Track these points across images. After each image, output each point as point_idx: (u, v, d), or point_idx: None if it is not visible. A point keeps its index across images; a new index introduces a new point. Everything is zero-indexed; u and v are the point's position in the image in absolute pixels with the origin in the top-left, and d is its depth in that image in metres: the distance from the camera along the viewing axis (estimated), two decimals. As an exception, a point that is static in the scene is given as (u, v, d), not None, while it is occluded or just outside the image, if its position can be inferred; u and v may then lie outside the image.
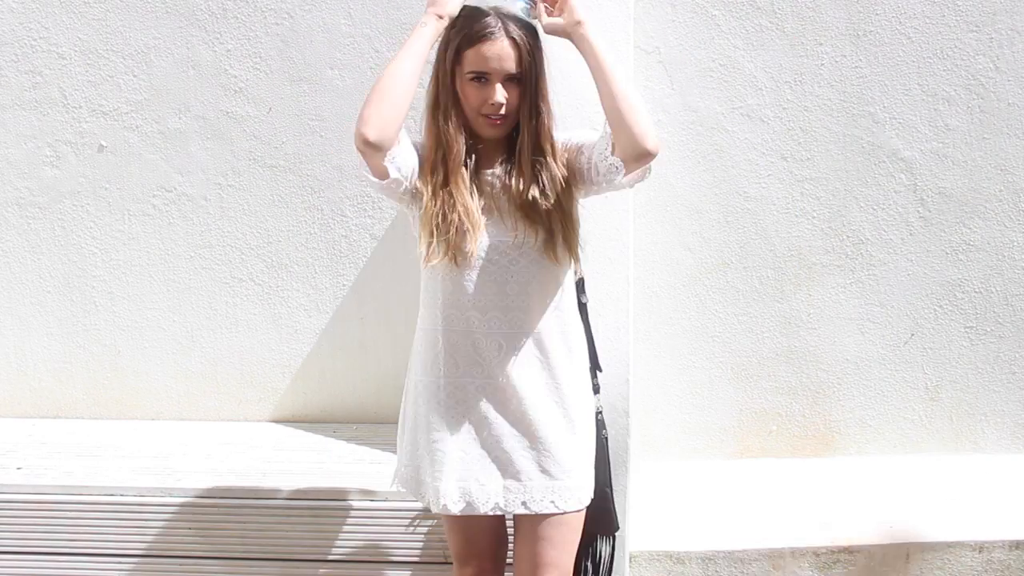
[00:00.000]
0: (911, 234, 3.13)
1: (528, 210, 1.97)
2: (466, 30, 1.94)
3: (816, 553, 2.82)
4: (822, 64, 3.04)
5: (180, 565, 2.69)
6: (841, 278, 3.15)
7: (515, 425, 1.99)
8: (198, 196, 3.16)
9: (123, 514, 2.68)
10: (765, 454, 3.22)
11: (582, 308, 2.13)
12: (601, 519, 2.14)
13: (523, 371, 1.99)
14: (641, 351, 3.11)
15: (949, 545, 2.84)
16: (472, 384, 2.00)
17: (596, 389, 2.15)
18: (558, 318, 2.03)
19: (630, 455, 2.74)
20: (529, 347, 2.00)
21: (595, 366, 2.15)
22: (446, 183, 1.96)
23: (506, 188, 2.00)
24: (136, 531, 2.68)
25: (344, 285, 3.19)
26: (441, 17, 1.92)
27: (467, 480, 1.99)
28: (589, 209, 2.75)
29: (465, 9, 1.97)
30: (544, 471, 1.99)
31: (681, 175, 3.08)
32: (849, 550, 2.82)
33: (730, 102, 3.05)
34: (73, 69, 3.11)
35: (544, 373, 2.01)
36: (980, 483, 3.10)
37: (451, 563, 2.57)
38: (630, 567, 2.81)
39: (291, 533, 2.67)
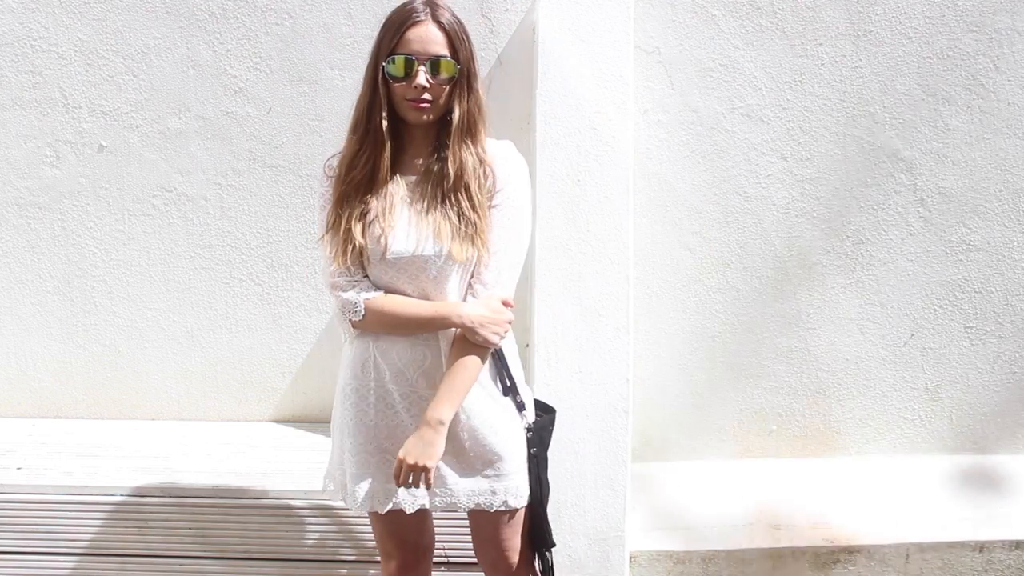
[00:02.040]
0: (911, 234, 3.13)
1: (446, 207, 1.95)
2: (393, 17, 1.94)
3: (816, 553, 2.82)
4: (822, 64, 3.04)
5: (180, 565, 2.69)
6: (841, 278, 3.15)
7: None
8: (198, 196, 3.16)
9: (123, 514, 2.68)
10: (765, 454, 3.22)
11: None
12: (537, 536, 2.16)
13: (439, 380, 2.01)
14: (641, 351, 3.11)
15: (949, 545, 2.84)
16: (398, 391, 2.02)
17: (520, 407, 2.09)
18: None
19: (630, 455, 2.74)
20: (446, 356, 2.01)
21: (509, 390, 2.08)
22: (367, 186, 1.96)
23: (426, 182, 1.98)
24: (136, 531, 2.68)
25: (344, 285, 3.18)
26: None
27: (392, 482, 2.02)
28: (588, 209, 2.76)
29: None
30: (462, 473, 2.04)
31: (681, 175, 3.08)
32: (849, 550, 2.82)
33: (730, 102, 3.05)
34: (73, 69, 3.11)
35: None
36: (979, 483, 3.10)
37: (450, 563, 2.58)
38: (630, 567, 2.81)
39: (291, 533, 2.67)
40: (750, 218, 3.10)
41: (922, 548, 2.83)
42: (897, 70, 3.05)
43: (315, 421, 3.26)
